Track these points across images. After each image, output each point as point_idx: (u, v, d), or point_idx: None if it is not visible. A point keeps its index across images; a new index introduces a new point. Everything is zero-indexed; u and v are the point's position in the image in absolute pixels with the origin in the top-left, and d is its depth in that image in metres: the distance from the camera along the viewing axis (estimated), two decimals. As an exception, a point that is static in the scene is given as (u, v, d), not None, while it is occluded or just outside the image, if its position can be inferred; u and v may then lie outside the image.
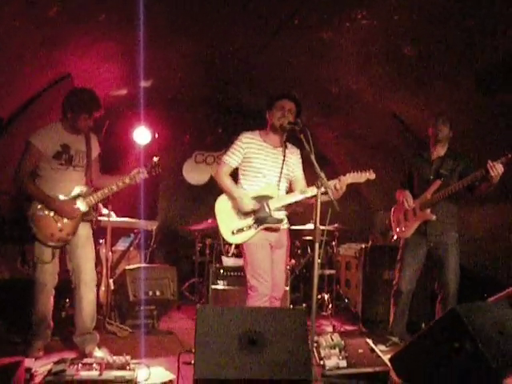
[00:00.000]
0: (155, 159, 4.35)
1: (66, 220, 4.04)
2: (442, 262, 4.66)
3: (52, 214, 4.01)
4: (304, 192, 4.07)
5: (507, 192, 5.19)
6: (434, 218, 4.63)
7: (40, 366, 3.56)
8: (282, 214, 4.14)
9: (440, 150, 4.79)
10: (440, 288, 4.70)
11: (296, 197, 4.11)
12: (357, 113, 6.57)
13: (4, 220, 5.26)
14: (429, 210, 4.66)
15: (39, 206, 3.99)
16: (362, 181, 4.10)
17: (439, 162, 4.75)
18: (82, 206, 4.11)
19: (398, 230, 4.96)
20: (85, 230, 4.22)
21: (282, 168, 4.17)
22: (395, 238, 5.10)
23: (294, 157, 4.30)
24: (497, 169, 4.17)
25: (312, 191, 3.97)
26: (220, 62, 6.12)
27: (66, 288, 4.29)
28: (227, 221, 4.07)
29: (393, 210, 5.10)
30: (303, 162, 4.33)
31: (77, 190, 4.12)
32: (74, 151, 4.16)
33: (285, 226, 4.20)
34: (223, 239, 4.17)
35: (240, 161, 4.12)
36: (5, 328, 4.61)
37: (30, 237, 4.02)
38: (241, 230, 4.02)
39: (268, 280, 3.96)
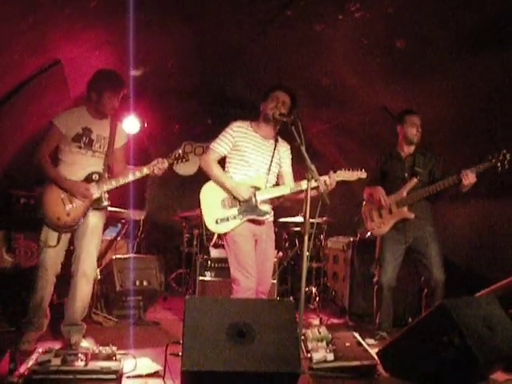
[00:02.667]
0: (180, 150, 4.28)
1: (74, 204, 3.98)
2: (424, 257, 4.70)
3: (62, 196, 3.95)
4: (294, 187, 4.07)
5: (493, 189, 5.23)
6: (412, 216, 4.69)
7: (25, 356, 3.53)
8: (267, 207, 4.12)
9: (410, 148, 4.86)
10: (426, 282, 4.72)
11: (284, 190, 4.11)
12: (347, 105, 6.57)
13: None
14: (406, 209, 4.70)
15: (49, 189, 3.94)
16: (353, 179, 4.14)
17: (411, 160, 4.82)
18: (94, 190, 4.04)
19: (372, 226, 4.98)
20: (95, 219, 4.13)
21: (271, 160, 4.15)
22: (369, 234, 5.16)
23: (284, 151, 4.29)
24: (469, 178, 4.27)
25: (302, 185, 3.98)
26: (211, 53, 6.08)
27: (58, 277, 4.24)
28: (212, 209, 4.01)
29: (363, 206, 5.14)
30: (293, 154, 4.32)
31: (90, 174, 4.06)
32: (96, 136, 4.10)
33: (270, 218, 4.17)
34: (206, 228, 4.04)
35: (229, 149, 4.07)
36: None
37: (37, 220, 3.97)
38: (225, 220, 3.97)
39: (253, 273, 3.92)
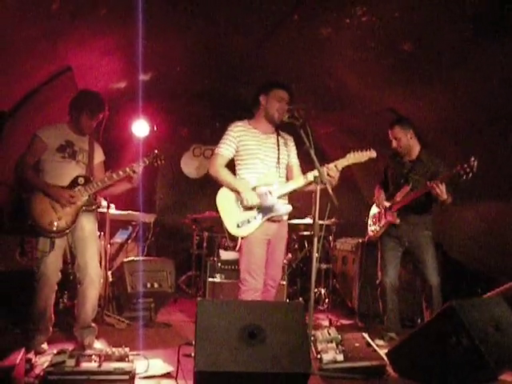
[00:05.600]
0: (156, 151, 4.36)
1: (66, 208, 4.02)
2: (419, 260, 4.74)
3: (51, 201, 3.99)
4: (306, 178, 4.05)
5: (502, 190, 5.24)
6: (397, 221, 4.77)
7: (40, 357, 3.59)
8: (285, 203, 4.10)
9: (412, 154, 4.84)
10: (423, 284, 4.78)
11: (298, 183, 4.09)
12: (354, 107, 6.59)
13: (3, 211, 5.26)
14: (395, 214, 4.77)
15: (38, 195, 3.98)
16: (363, 160, 4.13)
17: (410, 166, 4.82)
18: (81, 194, 4.10)
19: (371, 230, 5.13)
20: (89, 224, 4.21)
21: (278, 153, 4.16)
22: (367, 237, 5.29)
23: (288, 143, 4.29)
24: (437, 187, 4.28)
25: (312, 175, 3.95)
26: (219, 56, 6.13)
27: (64, 280, 4.29)
28: (231, 213, 4.00)
29: (372, 207, 5.25)
30: (302, 156, 4.35)
31: (75, 178, 4.12)
32: (78, 148, 4.20)
33: (285, 217, 4.16)
34: (228, 233, 4.02)
35: (234, 151, 4.08)
36: (4, 319, 4.62)
37: (29, 228, 3.99)
38: (246, 222, 3.96)
39: (261, 276, 3.98)
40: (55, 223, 3.99)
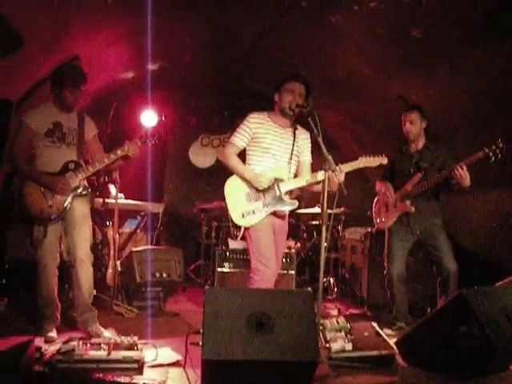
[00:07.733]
0: (148, 131, 4.32)
1: (56, 196, 4.01)
2: (435, 248, 4.72)
3: (42, 189, 3.98)
4: (310, 178, 4.08)
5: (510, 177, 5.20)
6: (412, 209, 4.75)
7: (50, 346, 3.60)
8: (289, 198, 4.12)
9: (418, 143, 4.87)
10: (439, 272, 4.75)
11: (301, 182, 4.12)
12: (363, 96, 6.54)
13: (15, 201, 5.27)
14: (408, 202, 4.76)
15: (28, 184, 3.97)
16: (374, 165, 4.14)
17: (418, 156, 4.83)
18: (71, 179, 4.07)
19: (378, 220, 5.11)
20: (81, 207, 4.17)
21: (292, 149, 4.16)
22: (375, 228, 5.26)
23: (303, 139, 4.28)
24: (459, 171, 4.24)
25: (318, 176, 4.01)
26: (227, 46, 6.10)
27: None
28: (237, 203, 4.03)
29: (375, 201, 5.21)
30: (311, 145, 4.33)
31: (66, 164, 4.09)
32: (67, 129, 4.15)
33: (286, 211, 4.18)
34: (232, 222, 4.09)
35: (248, 141, 4.09)
36: (16, 308, 4.65)
37: (22, 217, 4.04)
38: (251, 213, 3.99)
39: (274, 265, 3.98)
40: (46, 211, 3.99)
